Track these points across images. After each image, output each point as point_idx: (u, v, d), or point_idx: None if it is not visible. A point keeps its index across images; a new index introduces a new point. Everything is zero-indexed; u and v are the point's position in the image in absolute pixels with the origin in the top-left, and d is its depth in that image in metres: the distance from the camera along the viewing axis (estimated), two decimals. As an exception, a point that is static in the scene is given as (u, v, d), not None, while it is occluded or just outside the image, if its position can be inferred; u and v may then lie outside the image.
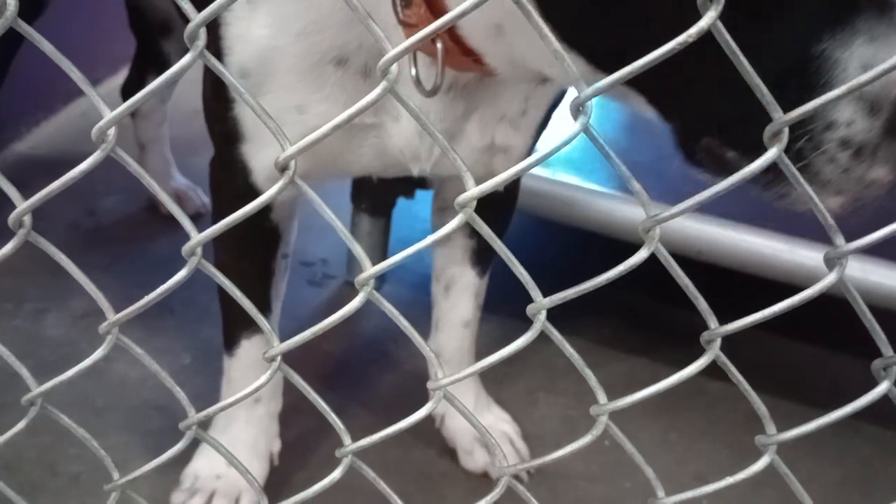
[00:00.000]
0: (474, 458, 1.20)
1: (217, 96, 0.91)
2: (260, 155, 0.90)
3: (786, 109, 0.42)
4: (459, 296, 1.17)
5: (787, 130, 0.42)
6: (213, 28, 0.87)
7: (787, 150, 0.43)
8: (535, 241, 1.68)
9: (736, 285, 1.24)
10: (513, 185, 1.12)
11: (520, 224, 1.23)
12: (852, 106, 0.59)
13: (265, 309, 1.04)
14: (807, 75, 0.59)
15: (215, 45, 0.87)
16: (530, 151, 1.00)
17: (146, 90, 0.49)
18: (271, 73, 0.83)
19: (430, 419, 1.24)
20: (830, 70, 0.59)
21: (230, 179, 0.94)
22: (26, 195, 0.53)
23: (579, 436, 0.57)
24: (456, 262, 1.15)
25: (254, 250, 1.02)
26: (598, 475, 1.22)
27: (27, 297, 1.44)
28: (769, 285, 1.26)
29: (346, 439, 0.61)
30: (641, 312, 1.63)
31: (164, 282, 0.56)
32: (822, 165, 0.61)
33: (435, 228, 1.03)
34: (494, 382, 1.30)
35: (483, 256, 1.15)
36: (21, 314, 1.41)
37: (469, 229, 1.07)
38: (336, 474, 0.61)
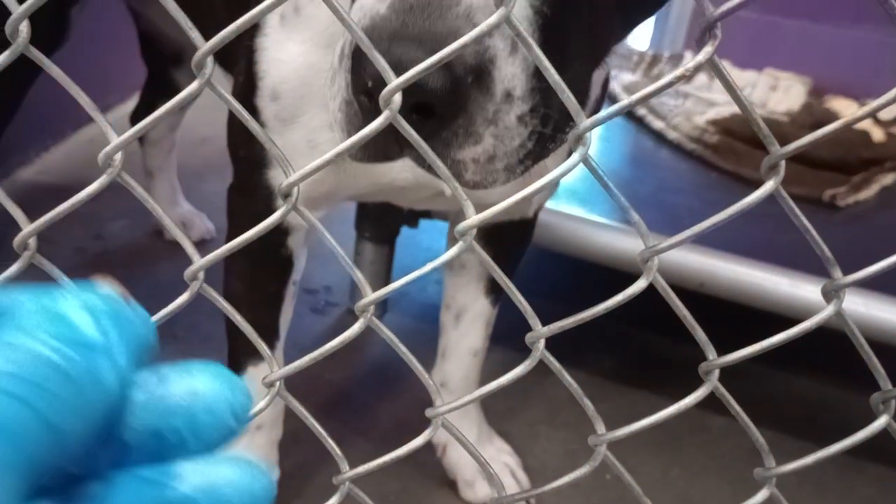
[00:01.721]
0: (475, 491, 1.19)
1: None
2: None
3: None
4: (470, 324, 1.17)
5: (783, 163, 0.43)
6: (248, 54, 0.87)
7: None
8: (537, 271, 1.69)
9: (739, 321, 1.24)
10: (529, 219, 1.12)
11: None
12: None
13: (274, 334, 1.05)
14: None
15: (248, 70, 0.87)
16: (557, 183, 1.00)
17: (153, 116, 0.50)
18: (307, 93, 0.83)
19: (430, 451, 1.23)
20: None
21: (250, 205, 0.95)
22: (33, 220, 0.54)
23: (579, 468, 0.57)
24: (469, 291, 1.15)
25: (269, 278, 1.02)
26: (598, 509, 1.21)
27: (31, 320, 1.44)
28: (772, 320, 1.26)
29: (344, 466, 0.61)
30: (643, 346, 1.63)
31: (167, 306, 0.56)
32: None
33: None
34: (495, 415, 1.30)
35: (497, 285, 1.15)
36: (24, 338, 1.41)
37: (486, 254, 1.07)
38: (333, 501, 0.61)
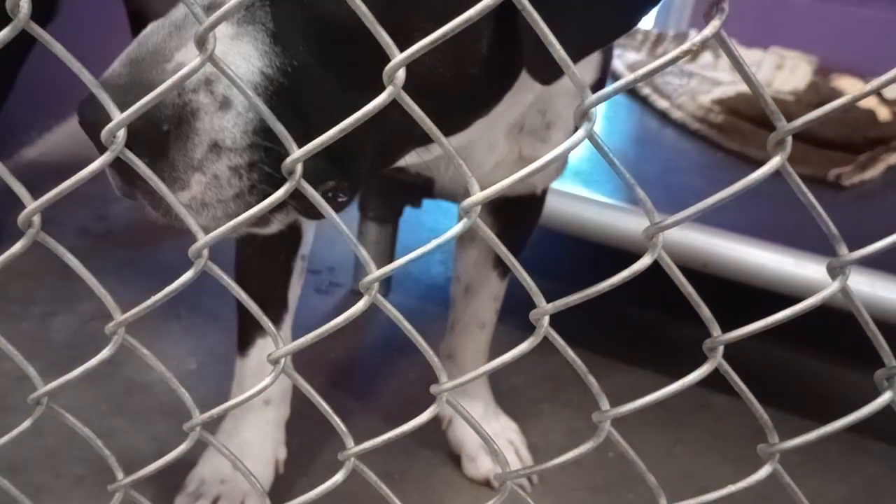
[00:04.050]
0: (477, 466, 1.20)
1: None
2: None
3: None
4: (479, 297, 1.18)
5: (790, 139, 0.43)
6: None
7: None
8: (542, 250, 1.69)
9: (743, 301, 1.24)
10: (536, 197, 1.13)
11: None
12: None
13: (283, 307, 1.06)
14: None
15: None
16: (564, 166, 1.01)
17: (155, 92, 0.49)
18: None
19: (434, 427, 1.24)
20: None
21: None
22: (37, 198, 0.54)
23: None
24: (479, 263, 1.17)
25: (276, 247, 1.04)
26: (601, 486, 1.22)
27: (35, 300, 1.45)
28: (774, 300, 1.26)
29: (349, 442, 0.61)
30: (647, 325, 1.63)
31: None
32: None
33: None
34: (499, 394, 1.30)
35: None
36: (28, 317, 1.42)
37: (494, 230, 1.08)
38: (339, 477, 0.61)
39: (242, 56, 0.58)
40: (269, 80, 0.59)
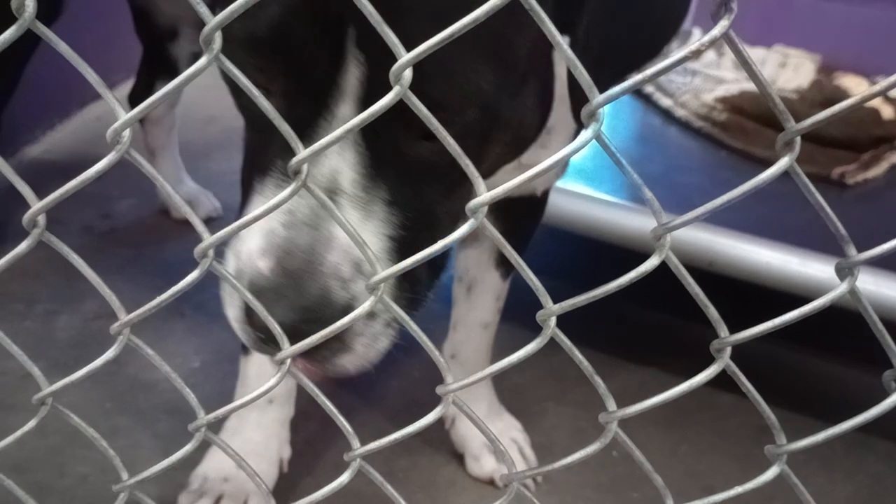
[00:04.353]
0: (481, 465, 1.20)
1: None
2: None
3: None
4: (481, 297, 1.18)
5: (798, 139, 0.42)
6: None
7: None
8: (548, 249, 1.68)
9: (749, 300, 1.24)
10: (539, 198, 1.12)
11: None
12: None
13: None
14: None
15: None
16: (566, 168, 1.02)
17: (163, 91, 0.49)
18: None
19: (439, 426, 1.24)
20: None
21: None
22: (41, 198, 0.54)
23: (588, 446, 0.57)
24: (481, 263, 1.16)
25: None
26: (606, 486, 1.21)
27: (39, 298, 1.45)
28: (783, 300, 1.25)
29: (355, 443, 0.61)
30: (653, 324, 1.63)
31: (176, 285, 0.56)
32: None
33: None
34: (502, 392, 1.30)
35: (507, 258, 1.17)
36: (32, 316, 1.42)
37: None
38: (344, 478, 0.61)
39: (372, 233, 0.64)
40: (393, 238, 0.65)
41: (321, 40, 0.59)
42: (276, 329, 0.57)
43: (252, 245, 0.62)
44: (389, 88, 0.45)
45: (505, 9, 0.41)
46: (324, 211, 0.59)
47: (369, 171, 0.63)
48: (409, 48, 0.44)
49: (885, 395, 0.52)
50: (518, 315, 1.05)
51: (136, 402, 1.26)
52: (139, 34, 1.61)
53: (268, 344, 0.63)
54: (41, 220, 0.55)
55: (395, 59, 0.44)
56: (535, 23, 0.42)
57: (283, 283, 0.61)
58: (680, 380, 0.52)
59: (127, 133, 0.50)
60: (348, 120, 0.49)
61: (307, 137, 0.61)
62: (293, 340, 0.57)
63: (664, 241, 0.47)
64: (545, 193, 1.14)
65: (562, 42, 0.43)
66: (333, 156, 0.61)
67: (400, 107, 0.46)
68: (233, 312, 0.68)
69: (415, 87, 0.45)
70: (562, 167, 1.11)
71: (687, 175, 1.57)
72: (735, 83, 1.91)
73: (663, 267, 0.49)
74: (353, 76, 0.60)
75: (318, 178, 0.53)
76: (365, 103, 0.60)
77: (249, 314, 0.64)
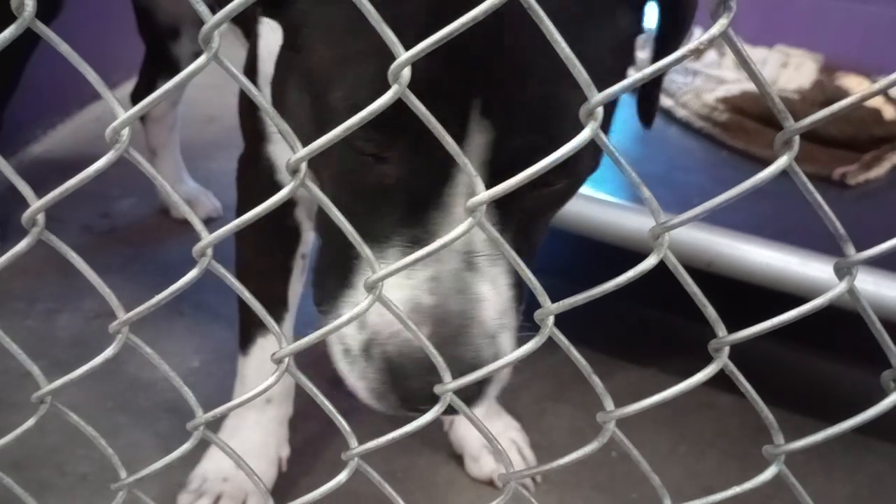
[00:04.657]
0: (480, 465, 1.20)
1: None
2: (285, 154, 0.93)
3: None
4: None
5: (797, 138, 0.42)
6: (252, 37, 0.94)
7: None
8: (546, 249, 1.68)
9: (748, 300, 1.23)
10: None
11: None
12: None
13: (283, 306, 1.07)
14: None
15: (251, 53, 0.93)
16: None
17: (161, 90, 0.49)
18: None
19: (437, 426, 1.24)
20: None
21: (257, 175, 0.98)
22: (41, 197, 0.54)
23: (587, 445, 0.57)
24: None
25: (276, 247, 1.04)
26: (605, 485, 1.21)
27: (39, 297, 1.45)
28: (783, 300, 1.25)
29: (353, 442, 0.61)
30: (651, 324, 1.63)
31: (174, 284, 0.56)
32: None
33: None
34: (501, 392, 1.30)
35: None
36: (33, 314, 1.42)
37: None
38: (342, 477, 0.61)
39: (505, 286, 0.67)
40: (516, 284, 0.68)
41: (446, 110, 0.56)
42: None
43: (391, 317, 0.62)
44: (516, 151, 0.48)
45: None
46: (468, 273, 0.62)
47: (498, 228, 0.64)
48: (530, 107, 0.50)
49: (883, 395, 0.52)
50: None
51: (135, 400, 1.26)
52: (142, 33, 1.62)
53: (410, 403, 0.66)
54: (40, 218, 0.55)
55: (520, 125, 0.49)
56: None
57: (445, 347, 0.60)
58: (678, 379, 0.52)
59: (126, 132, 0.50)
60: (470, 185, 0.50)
61: (433, 205, 0.63)
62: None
63: (662, 241, 0.47)
64: None
65: (562, 42, 0.43)
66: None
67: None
68: (362, 384, 0.70)
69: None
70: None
71: (687, 175, 1.57)
72: (736, 83, 1.91)
73: (662, 266, 0.49)
74: (476, 143, 0.61)
75: (455, 242, 0.54)
76: (491, 165, 0.62)
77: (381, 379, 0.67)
